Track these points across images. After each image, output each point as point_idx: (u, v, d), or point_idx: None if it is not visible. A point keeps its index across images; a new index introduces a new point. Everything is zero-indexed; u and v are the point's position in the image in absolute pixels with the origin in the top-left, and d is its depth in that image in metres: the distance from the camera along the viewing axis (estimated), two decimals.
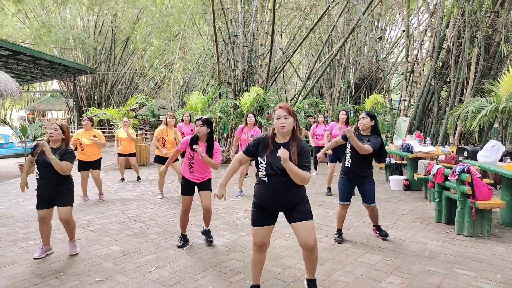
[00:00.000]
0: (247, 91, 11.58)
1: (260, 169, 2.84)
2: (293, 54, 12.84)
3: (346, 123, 6.87)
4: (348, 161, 4.25)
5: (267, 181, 2.80)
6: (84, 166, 6.73)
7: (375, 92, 15.53)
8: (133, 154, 8.93)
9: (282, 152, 2.55)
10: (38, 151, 3.94)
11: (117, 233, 4.91)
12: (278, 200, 2.82)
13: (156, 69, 16.09)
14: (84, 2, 19.67)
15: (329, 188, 6.99)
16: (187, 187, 4.34)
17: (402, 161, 7.84)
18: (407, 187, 7.22)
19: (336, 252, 4.08)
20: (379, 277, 3.43)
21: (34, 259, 4.00)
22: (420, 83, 9.98)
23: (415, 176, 6.46)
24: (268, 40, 11.86)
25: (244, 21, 12.71)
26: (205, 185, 4.37)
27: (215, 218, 5.31)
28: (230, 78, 12.92)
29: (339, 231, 4.48)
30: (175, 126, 7.07)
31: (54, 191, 3.95)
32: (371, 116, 4.23)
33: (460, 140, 8.80)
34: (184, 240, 4.41)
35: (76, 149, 6.74)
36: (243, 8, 12.59)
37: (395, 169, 7.91)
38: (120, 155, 8.85)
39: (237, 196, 6.86)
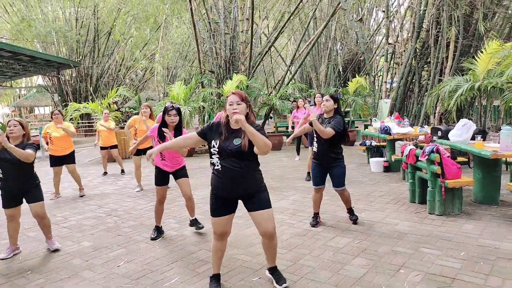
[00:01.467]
0: (231, 79, 11.49)
1: (213, 153, 2.80)
2: (275, 40, 12.71)
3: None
4: (315, 146, 4.25)
5: (220, 168, 2.76)
6: (57, 161, 6.58)
7: (360, 75, 15.46)
8: (114, 147, 8.85)
9: (237, 116, 2.56)
10: None
11: (90, 228, 4.89)
12: (235, 187, 2.79)
13: (137, 61, 15.86)
14: None
15: (308, 173, 6.98)
16: (161, 177, 4.29)
17: (382, 143, 7.85)
18: (387, 169, 7.25)
19: (307, 237, 4.09)
20: (345, 260, 3.45)
21: (1, 259, 3.97)
22: (401, 64, 9.94)
23: (393, 158, 6.47)
24: (249, 26, 11.71)
25: (225, 8, 12.53)
26: (181, 173, 4.33)
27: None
28: (213, 67, 12.80)
29: (316, 215, 4.49)
30: (151, 117, 6.96)
31: (20, 188, 3.90)
32: (334, 98, 4.24)
33: (441, 120, 8.82)
34: (158, 232, 4.39)
35: (47, 143, 6.66)
36: None
37: (376, 151, 7.92)
38: (101, 148, 8.77)
39: None
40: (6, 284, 3.39)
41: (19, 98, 32.16)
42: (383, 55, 11.13)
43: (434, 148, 4.46)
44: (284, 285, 2.96)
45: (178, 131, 4.21)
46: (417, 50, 9.52)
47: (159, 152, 4.17)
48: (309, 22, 12.71)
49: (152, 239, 4.30)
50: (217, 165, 2.79)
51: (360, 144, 8.42)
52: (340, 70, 18.41)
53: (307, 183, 6.76)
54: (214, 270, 3.05)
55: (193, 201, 4.41)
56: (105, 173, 8.93)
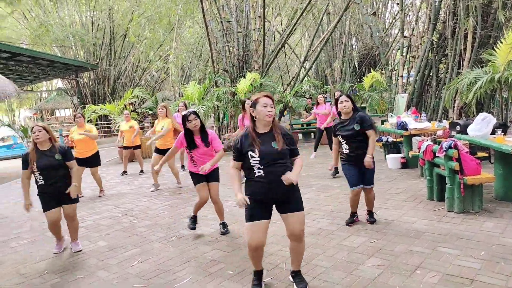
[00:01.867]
0: (244, 77, 11.46)
1: (253, 164, 2.77)
2: (288, 36, 12.59)
3: (324, 102, 6.88)
4: (346, 148, 4.13)
5: (263, 173, 2.74)
6: (78, 163, 6.72)
7: (376, 69, 15.20)
8: (138, 147, 9.02)
9: (286, 178, 2.68)
10: (33, 159, 3.91)
11: (106, 228, 4.95)
12: (278, 189, 2.75)
13: (152, 62, 16.00)
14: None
15: (336, 168, 6.46)
16: (196, 179, 4.26)
17: (399, 139, 7.68)
18: (404, 165, 7.09)
19: (321, 237, 4.03)
20: (359, 260, 3.38)
21: (54, 253, 4.15)
22: (418, 58, 9.71)
23: (410, 154, 6.32)
24: (262, 24, 11.64)
25: (237, 6, 12.49)
26: (212, 176, 4.29)
27: (205, 207, 5.28)
28: (226, 65, 12.79)
29: (353, 214, 4.37)
30: (167, 116, 7.02)
31: (60, 192, 3.99)
32: (351, 97, 4.15)
33: (460, 114, 8.57)
34: (194, 222, 4.41)
35: (72, 147, 6.81)
36: None
37: (393, 148, 7.76)
38: (125, 147, 8.90)
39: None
40: (23, 283, 3.46)
41: (40, 101, 32.92)
42: (399, 49, 10.88)
43: (452, 144, 4.32)
44: None
45: (203, 133, 4.18)
46: (434, 42, 9.28)
47: (190, 158, 4.21)
48: (322, 17, 12.54)
49: (191, 228, 4.37)
50: (259, 172, 2.76)
51: (377, 140, 8.26)
52: (356, 65, 18.15)
53: (322, 180, 6.68)
54: (255, 267, 2.98)
55: (220, 205, 4.36)
56: (125, 172, 9.05)
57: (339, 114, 4.25)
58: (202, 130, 4.16)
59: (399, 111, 9.42)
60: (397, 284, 2.91)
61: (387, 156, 7.38)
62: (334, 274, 3.15)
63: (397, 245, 3.63)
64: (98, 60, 22.07)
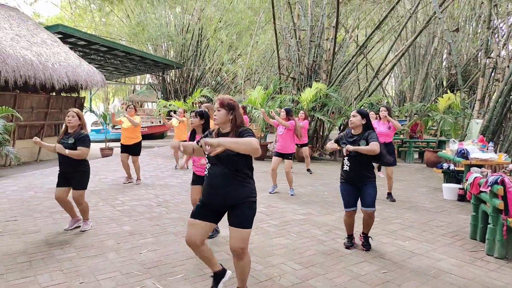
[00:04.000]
0: (310, 86, 11.35)
1: (206, 159, 2.78)
2: (359, 48, 12.14)
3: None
4: (346, 165, 3.93)
5: (207, 173, 2.74)
6: (123, 149, 7.35)
7: (452, 90, 13.95)
8: (185, 141, 9.45)
9: (204, 140, 2.51)
10: (58, 139, 4.39)
11: (138, 214, 5.27)
12: (214, 193, 2.68)
13: (225, 64, 16.60)
14: (168, 2, 21.06)
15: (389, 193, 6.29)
16: (196, 179, 4.35)
17: (462, 168, 6.95)
18: (461, 198, 6.39)
19: (331, 257, 3.82)
20: None
21: (65, 230, 4.51)
22: (501, 81, 8.68)
23: (464, 185, 5.69)
24: (334, 34, 11.41)
25: (312, 15, 12.42)
26: None
27: None
28: (295, 74, 12.77)
29: (350, 236, 4.17)
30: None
31: (70, 171, 4.37)
32: (363, 114, 3.93)
33: None
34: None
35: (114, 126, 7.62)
36: (313, 1, 12.29)
37: (453, 177, 7.04)
38: None
39: (270, 192, 6.77)
40: (46, 252, 3.84)
41: (132, 93, 36.20)
42: (479, 70, 9.84)
43: (499, 179, 3.80)
44: None
45: (204, 133, 4.28)
46: None
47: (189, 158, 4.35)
48: (401, 31, 11.87)
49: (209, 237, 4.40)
50: (206, 170, 2.77)
51: (437, 167, 7.57)
52: (444, 84, 16.91)
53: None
54: (210, 268, 2.97)
55: None
56: (176, 166, 9.53)
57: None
58: (204, 131, 4.22)
59: (472, 138, 8.51)
60: None
61: (443, 185, 6.72)
62: None
63: (408, 281, 3.30)
64: (184, 60, 23.58)
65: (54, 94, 11.83)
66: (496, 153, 6.32)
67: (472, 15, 14.10)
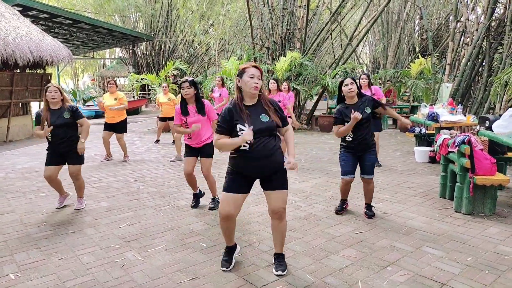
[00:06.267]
0: (285, 56, 11.25)
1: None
2: (333, 15, 12.04)
3: (369, 86, 6.41)
4: (349, 136, 3.89)
5: (249, 148, 2.67)
6: (107, 127, 7.15)
7: (426, 55, 14.16)
8: (172, 118, 9.28)
9: (290, 166, 2.68)
10: (44, 118, 4.18)
11: (115, 190, 5.22)
12: (264, 165, 2.71)
13: (196, 35, 16.16)
14: None
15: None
16: (187, 151, 4.36)
17: (432, 131, 7.17)
18: (432, 160, 6.63)
19: (308, 222, 3.94)
20: (334, 249, 3.26)
21: (56, 208, 4.45)
22: (470, 45, 8.87)
23: (434, 148, 5.89)
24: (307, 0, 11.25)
25: None
26: (205, 151, 4.31)
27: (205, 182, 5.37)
28: (269, 43, 12.61)
29: (343, 201, 4.22)
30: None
31: (66, 150, 4.26)
32: (355, 80, 3.90)
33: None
34: (196, 199, 4.51)
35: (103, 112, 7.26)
36: None
37: (424, 140, 7.27)
38: (160, 119, 9.18)
39: None
40: (21, 231, 3.78)
41: (103, 68, 34.95)
42: (449, 35, 9.99)
43: (466, 139, 3.95)
44: (279, 272, 2.82)
45: (198, 102, 4.22)
46: (491, 28, 8.40)
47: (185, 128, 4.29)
48: None
49: (192, 207, 4.44)
50: (244, 146, 2.67)
51: (409, 131, 7.79)
52: (417, 50, 17.11)
53: (338, 166, 6.44)
54: (226, 242, 3.00)
55: (211, 180, 4.36)
56: (157, 140, 9.43)
57: (343, 98, 4.01)
58: (197, 100, 4.18)
59: (442, 101, 8.75)
60: (361, 278, 2.78)
61: (415, 148, 6.95)
62: (301, 259, 3.08)
63: (381, 239, 3.45)
64: (155, 32, 22.77)
65: (18, 71, 11.27)
66: (465, 115, 6.54)
67: None
